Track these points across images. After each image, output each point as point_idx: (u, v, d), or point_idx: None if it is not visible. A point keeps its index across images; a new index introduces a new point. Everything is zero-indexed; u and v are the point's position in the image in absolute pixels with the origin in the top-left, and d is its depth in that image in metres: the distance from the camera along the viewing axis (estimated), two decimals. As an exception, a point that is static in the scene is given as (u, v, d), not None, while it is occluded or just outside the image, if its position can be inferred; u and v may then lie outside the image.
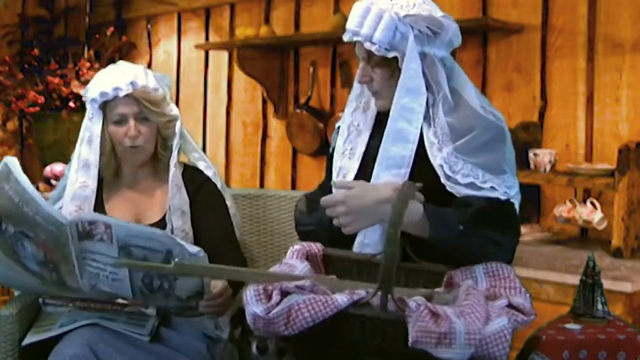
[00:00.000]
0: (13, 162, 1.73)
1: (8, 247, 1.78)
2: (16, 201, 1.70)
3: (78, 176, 2.04)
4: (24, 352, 1.86)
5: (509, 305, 1.41)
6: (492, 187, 1.63)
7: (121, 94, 1.99)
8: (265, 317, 1.39)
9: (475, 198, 1.61)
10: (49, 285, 1.83)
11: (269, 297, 1.42)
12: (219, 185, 2.17)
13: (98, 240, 1.70)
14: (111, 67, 2.08)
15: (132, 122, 2.01)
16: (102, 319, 1.79)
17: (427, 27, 1.65)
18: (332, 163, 1.87)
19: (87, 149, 2.04)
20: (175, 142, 2.08)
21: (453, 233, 1.55)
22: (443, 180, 1.64)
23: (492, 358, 1.31)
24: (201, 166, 2.18)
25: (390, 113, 1.68)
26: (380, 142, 1.72)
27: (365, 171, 1.74)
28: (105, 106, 2.02)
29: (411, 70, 1.66)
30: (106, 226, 1.68)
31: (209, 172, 2.17)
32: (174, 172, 2.06)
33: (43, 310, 1.93)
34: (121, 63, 2.10)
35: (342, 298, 1.38)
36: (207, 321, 1.93)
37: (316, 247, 1.69)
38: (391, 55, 1.67)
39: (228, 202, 2.18)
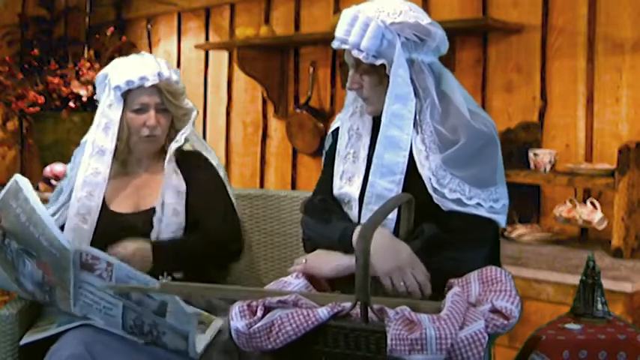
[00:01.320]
0: (23, 181, 1.75)
1: (8, 263, 1.79)
2: (23, 220, 1.71)
3: (91, 162, 2.06)
4: (23, 351, 1.86)
5: (493, 309, 1.41)
6: (478, 204, 1.66)
7: (147, 84, 2.03)
8: (247, 332, 1.42)
9: (456, 215, 1.65)
10: (42, 303, 1.86)
11: (253, 312, 1.44)
12: (221, 173, 2.21)
13: (97, 275, 1.71)
14: (134, 56, 2.13)
15: (152, 112, 2.06)
16: (101, 320, 1.79)
17: (414, 34, 1.68)
18: (327, 164, 1.88)
19: (103, 136, 2.06)
20: (184, 130, 2.12)
21: None
22: (430, 191, 1.67)
23: None
24: (204, 154, 2.23)
25: (382, 120, 1.71)
26: None
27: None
28: (126, 94, 2.05)
29: (398, 77, 1.68)
30: (108, 264, 1.70)
31: (213, 162, 2.21)
32: (171, 155, 2.09)
33: (42, 310, 1.93)
34: (145, 54, 2.14)
35: (323, 311, 1.40)
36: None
37: None
38: (379, 62, 1.69)
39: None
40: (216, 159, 2.23)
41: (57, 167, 3.76)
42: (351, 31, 1.68)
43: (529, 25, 3.04)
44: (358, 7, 1.72)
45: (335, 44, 1.74)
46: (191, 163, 2.15)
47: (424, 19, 1.70)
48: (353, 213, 1.77)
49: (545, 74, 3.01)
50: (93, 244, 1.96)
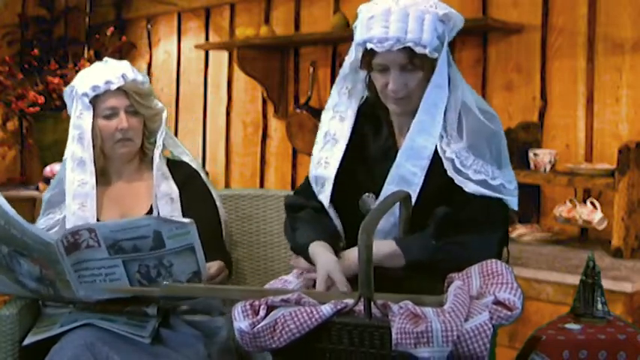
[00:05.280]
0: None
1: (4, 266, 1.79)
2: (3, 224, 1.70)
3: (75, 175, 2.05)
4: (24, 352, 1.86)
5: (496, 302, 1.42)
6: (502, 185, 1.66)
7: (113, 87, 2.02)
8: (251, 332, 1.42)
9: (476, 198, 1.64)
10: (48, 298, 1.85)
11: (256, 312, 1.44)
12: (203, 176, 2.19)
13: (85, 247, 1.70)
14: (97, 63, 2.12)
15: (123, 115, 2.04)
16: (102, 320, 1.79)
17: (453, 25, 1.69)
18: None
19: (79, 147, 2.05)
20: (160, 132, 2.12)
21: (429, 250, 1.61)
22: (451, 173, 1.66)
23: (473, 354, 1.33)
24: (185, 159, 2.21)
25: (420, 107, 1.68)
26: (386, 147, 1.76)
27: (343, 183, 1.76)
28: (94, 101, 2.04)
29: (441, 67, 1.67)
30: (90, 230, 1.69)
31: (193, 165, 2.20)
32: (159, 161, 2.08)
33: (43, 311, 1.93)
34: (108, 60, 2.13)
35: (326, 309, 1.40)
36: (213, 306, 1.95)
37: None
38: (436, 56, 1.66)
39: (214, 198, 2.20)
40: (195, 162, 2.22)
41: (57, 167, 3.74)
42: (407, 27, 1.62)
43: (529, 25, 3.04)
44: (400, 2, 1.64)
45: (386, 44, 1.62)
46: (182, 177, 2.12)
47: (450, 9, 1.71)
48: (325, 193, 1.77)
49: (545, 74, 3.01)
50: None
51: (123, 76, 2.03)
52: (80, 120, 2.05)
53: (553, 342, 1.60)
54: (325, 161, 1.78)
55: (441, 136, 1.69)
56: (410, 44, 1.62)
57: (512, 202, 1.71)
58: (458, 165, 1.65)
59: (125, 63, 2.11)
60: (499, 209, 1.69)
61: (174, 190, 2.08)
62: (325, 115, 1.83)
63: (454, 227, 1.63)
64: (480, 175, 1.65)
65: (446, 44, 1.67)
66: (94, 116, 2.05)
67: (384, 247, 1.63)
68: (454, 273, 1.58)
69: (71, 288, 1.75)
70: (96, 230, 1.69)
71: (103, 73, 2.04)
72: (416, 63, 1.66)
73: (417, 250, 1.63)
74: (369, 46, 1.65)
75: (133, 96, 2.05)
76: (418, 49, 1.63)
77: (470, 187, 1.64)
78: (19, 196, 3.95)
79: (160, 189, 2.06)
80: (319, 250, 1.69)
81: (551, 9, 2.99)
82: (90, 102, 2.04)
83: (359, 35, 1.68)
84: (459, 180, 1.65)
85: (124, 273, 1.73)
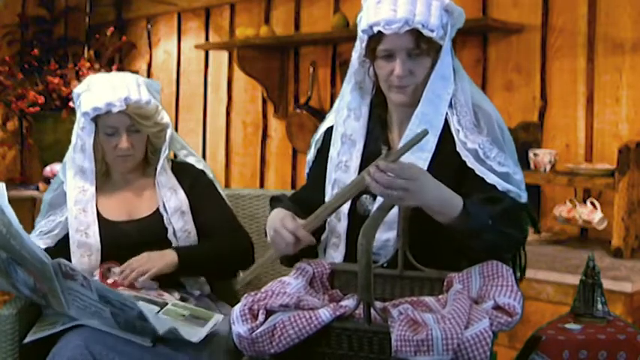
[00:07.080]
0: (0, 190, 1.70)
1: (2, 270, 1.79)
2: (4, 232, 1.70)
3: (76, 182, 2.08)
4: (24, 351, 1.86)
5: (496, 307, 1.41)
6: (521, 180, 1.67)
7: (114, 109, 2.00)
8: (249, 337, 1.41)
9: (501, 194, 1.63)
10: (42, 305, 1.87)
11: (255, 317, 1.44)
12: (211, 175, 2.21)
13: (80, 284, 1.71)
14: (103, 77, 2.08)
15: (124, 135, 2.04)
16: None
17: (456, 18, 1.67)
18: (314, 170, 1.88)
19: (81, 156, 2.07)
20: (164, 149, 2.11)
21: (484, 226, 1.54)
22: (471, 163, 1.63)
23: None
24: (190, 160, 2.22)
25: (422, 97, 1.66)
26: (375, 151, 1.72)
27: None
28: (96, 117, 2.04)
29: (445, 58, 1.66)
30: (84, 277, 1.70)
31: (199, 166, 2.21)
32: (166, 176, 2.09)
33: (43, 311, 1.93)
34: (114, 74, 2.12)
35: (325, 314, 1.40)
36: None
37: (323, 264, 1.69)
38: (441, 43, 1.65)
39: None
40: (202, 162, 2.23)
41: (57, 167, 3.75)
42: (415, 10, 1.60)
43: (529, 25, 3.04)
44: None
45: (394, 26, 1.60)
46: (189, 180, 2.14)
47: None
48: (341, 225, 1.73)
49: (545, 74, 3.01)
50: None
51: (126, 99, 2.00)
52: (82, 133, 2.06)
53: (553, 342, 1.60)
54: (345, 164, 1.76)
55: (457, 130, 1.66)
56: (418, 26, 1.60)
57: (525, 198, 1.70)
58: (481, 155, 1.63)
59: (132, 79, 2.07)
60: (524, 210, 1.68)
61: (183, 201, 2.09)
62: (339, 116, 1.79)
63: (509, 220, 1.59)
64: (504, 168, 1.64)
65: (449, 36, 1.66)
66: (97, 130, 2.05)
67: (450, 194, 1.53)
68: (453, 274, 1.57)
69: (62, 304, 1.77)
70: (90, 282, 1.70)
71: (106, 93, 2.01)
72: (422, 47, 1.63)
73: (478, 218, 1.53)
74: (376, 29, 1.63)
75: (135, 118, 2.03)
76: (426, 32, 1.61)
77: (491, 179, 1.62)
78: (19, 196, 3.94)
79: (170, 204, 2.07)
80: (276, 211, 1.71)
81: (551, 9, 2.99)
82: (92, 119, 2.04)
83: (365, 21, 1.66)
84: (480, 170, 1.63)
85: (110, 317, 1.74)
